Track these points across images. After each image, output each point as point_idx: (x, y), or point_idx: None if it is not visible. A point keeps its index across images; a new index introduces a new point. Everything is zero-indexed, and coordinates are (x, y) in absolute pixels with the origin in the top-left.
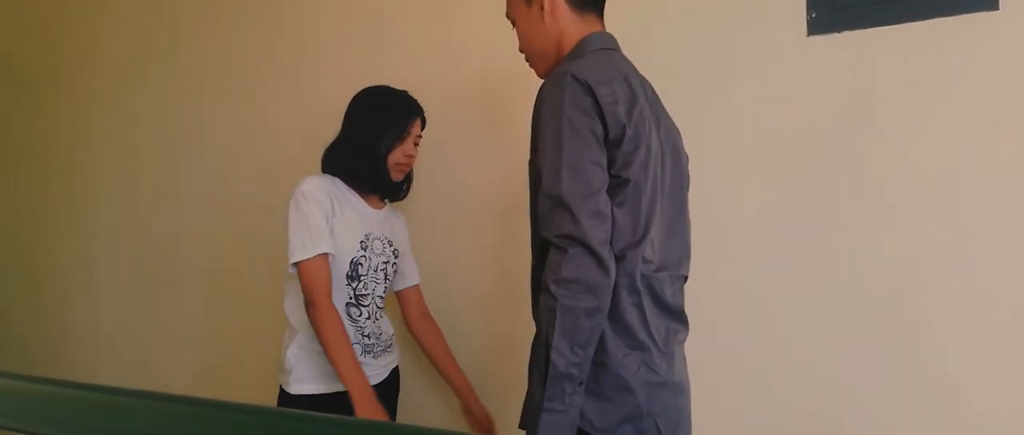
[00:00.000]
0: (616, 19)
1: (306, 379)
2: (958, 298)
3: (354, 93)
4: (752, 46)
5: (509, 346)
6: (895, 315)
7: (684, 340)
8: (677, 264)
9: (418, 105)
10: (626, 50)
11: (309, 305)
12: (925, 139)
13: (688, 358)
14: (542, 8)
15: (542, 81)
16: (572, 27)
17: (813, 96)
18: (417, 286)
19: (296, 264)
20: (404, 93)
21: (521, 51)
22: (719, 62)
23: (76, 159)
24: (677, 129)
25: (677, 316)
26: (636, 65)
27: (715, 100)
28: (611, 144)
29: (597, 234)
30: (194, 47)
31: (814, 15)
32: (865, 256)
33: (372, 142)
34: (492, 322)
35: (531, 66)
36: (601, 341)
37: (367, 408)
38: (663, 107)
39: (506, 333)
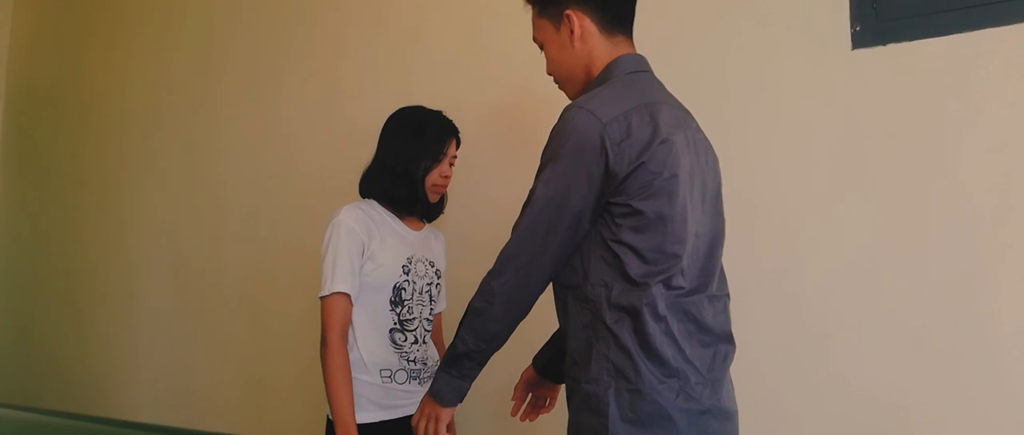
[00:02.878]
0: (657, 35)
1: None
2: (1013, 308)
3: (387, 115)
4: (795, 62)
5: None
6: (948, 327)
7: (731, 363)
8: (715, 284)
9: (453, 125)
10: (668, 65)
11: (322, 342)
12: (977, 152)
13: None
14: (571, 32)
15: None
16: (601, 50)
17: (859, 111)
18: (440, 314)
19: (320, 298)
20: (439, 113)
21: (550, 74)
22: (762, 78)
23: (110, 188)
24: (712, 149)
25: (722, 338)
26: (677, 81)
27: (758, 117)
28: (621, 179)
29: (531, 270)
30: (222, 75)
31: (858, 28)
32: (913, 272)
33: (408, 164)
34: (524, 341)
35: (561, 89)
36: (635, 369)
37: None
38: (697, 127)
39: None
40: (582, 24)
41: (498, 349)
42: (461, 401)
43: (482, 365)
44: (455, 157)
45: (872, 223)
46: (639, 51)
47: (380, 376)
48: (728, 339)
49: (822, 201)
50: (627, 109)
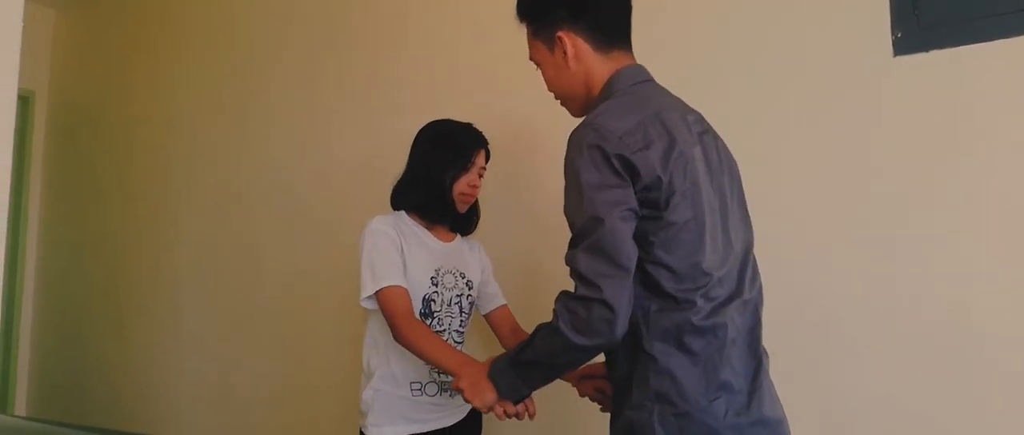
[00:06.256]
0: (696, 42)
1: (383, 422)
2: None
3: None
4: (835, 69)
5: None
6: (996, 339)
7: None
8: (747, 287)
9: (482, 136)
10: (707, 73)
11: (395, 331)
12: (1022, 160)
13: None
14: (565, 54)
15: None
16: (599, 67)
17: (900, 119)
18: (505, 306)
19: (372, 296)
20: (468, 125)
21: (550, 91)
22: (802, 86)
23: (152, 201)
24: (729, 151)
25: (758, 346)
26: (716, 89)
27: (798, 125)
28: (646, 189)
29: (619, 289)
30: (264, 91)
31: (899, 35)
32: (959, 279)
33: (436, 173)
34: None
35: (563, 106)
36: (680, 391)
37: (467, 372)
38: (710, 129)
39: None
40: (575, 44)
41: (569, 371)
42: (515, 401)
43: (547, 380)
44: (484, 168)
45: (916, 233)
46: (680, 60)
47: (411, 389)
48: (761, 348)
49: (859, 211)
50: (640, 119)
